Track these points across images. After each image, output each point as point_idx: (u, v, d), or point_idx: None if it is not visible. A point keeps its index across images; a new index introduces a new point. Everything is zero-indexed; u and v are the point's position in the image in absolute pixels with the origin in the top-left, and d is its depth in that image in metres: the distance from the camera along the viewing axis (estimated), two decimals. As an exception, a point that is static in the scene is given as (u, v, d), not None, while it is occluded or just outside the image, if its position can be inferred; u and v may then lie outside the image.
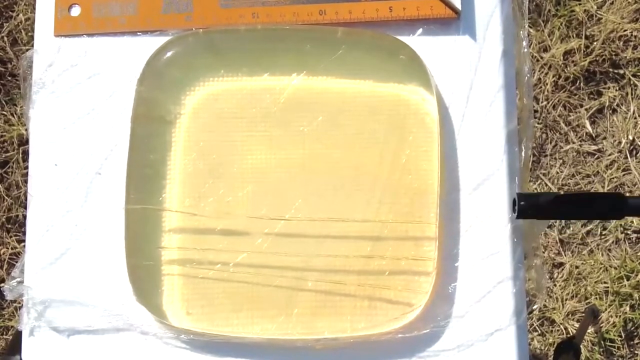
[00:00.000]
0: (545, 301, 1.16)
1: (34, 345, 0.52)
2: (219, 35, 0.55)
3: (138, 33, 0.55)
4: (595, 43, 1.23)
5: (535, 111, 1.22)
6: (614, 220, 1.18)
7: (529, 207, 0.49)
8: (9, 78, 1.23)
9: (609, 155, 1.21)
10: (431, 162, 0.53)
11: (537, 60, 1.24)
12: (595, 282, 1.17)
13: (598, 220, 1.14)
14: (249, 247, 0.52)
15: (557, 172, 1.20)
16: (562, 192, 0.51)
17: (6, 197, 1.20)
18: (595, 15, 1.25)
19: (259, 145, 0.54)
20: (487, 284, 0.52)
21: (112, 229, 0.53)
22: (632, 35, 1.25)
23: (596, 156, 1.21)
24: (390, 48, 0.54)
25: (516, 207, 0.50)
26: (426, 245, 0.52)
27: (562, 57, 1.23)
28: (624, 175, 1.20)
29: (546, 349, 1.16)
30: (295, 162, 0.54)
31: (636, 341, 1.16)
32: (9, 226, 1.19)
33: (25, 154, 1.19)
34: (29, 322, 0.52)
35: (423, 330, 0.50)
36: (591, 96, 1.23)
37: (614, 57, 1.24)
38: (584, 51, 1.23)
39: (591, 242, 1.18)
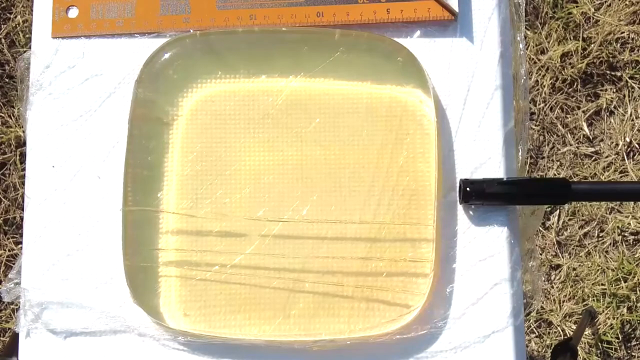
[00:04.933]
0: (543, 303, 1.16)
1: (31, 347, 0.52)
2: (217, 37, 0.55)
3: (135, 35, 0.55)
4: (592, 45, 1.23)
5: (533, 113, 1.22)
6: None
7: (473, 192, 0.50)
8: (7, 80, 1.23)
9: (606, 157, 1.21)
10: (428, 164, 0.53)
11: (535, 63, 1.24)
12: (593, 284, 1.17)
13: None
14: (247, 248, 0.52)
15: (555, 174, 1.20)
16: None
17: (3, 199, 1.20)
18: (593, 18, 1.25)
19: (256, 147, 0.54)
20: (485, 285, 0.52)
21: (109, 231, 0.53)
22: (629, 37, 1.25)
23: (593, 158, 1.21)
24: (387, 50, 0.54)
25: (461, 193, 0.51)
26: (424, 246, 0.52)
27: (559, 59, 1.23)
28: (621, 177, 1.20)
29: (543, 350, 1.16)
30: (292, 164, 0.54)
31: (633, 343, 1.16)
32: (7, 228, 1.19)
33: (23, 156, 1.19)
34: (26, 324, 0.52)
35: (420, 331, 0.50)
36: (588, 98, 1.23)
37: (611, 59, 1.24)
38: (581, 53, 1.23)
39: (588, 244, 1.19)
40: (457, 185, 0.53)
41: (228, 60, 0.56)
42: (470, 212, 0.53)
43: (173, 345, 0.51)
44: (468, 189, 0.51)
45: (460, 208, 0.53)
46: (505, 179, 0.51)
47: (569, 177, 1.20)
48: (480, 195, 0.51)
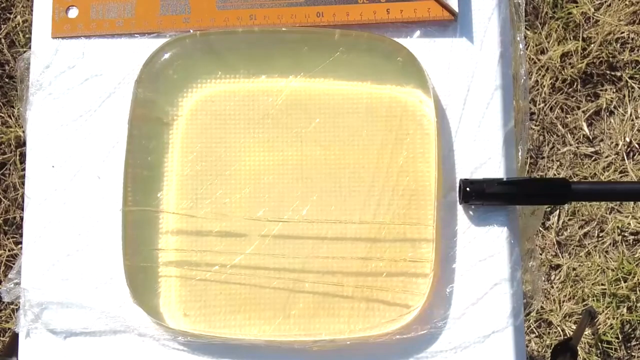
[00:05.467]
0: (543, 303, 1.16)
1: (30, 347, 0.52)
2: (216, 37, 0.55)
3: (135, 35, 0.55)
4: (592, 45, 1.23)
5: (533, 113, 1.22)
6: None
7: (473, 192, 0.50)
8: (7, 80, 1.23)
9: (606, 157, 1.21)
10: (428, 164, 0.53)
11: (535, 63, 1.24)
12: (593, 284, 1.17)
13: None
14: (247, 248, 0.52)
15: (555, 174, 1.20)
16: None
17: (3, 199, 1.20)
18: (593, 18, 1.25)
19: (256, 147, 0.54)
20: (485, 285, 0.52)
21: (109, 231, 0.53)
22: (629, 37, 1.25)
23: (593, 158, 1.21)
24: (387, 50, 0.54)
25: (461, 193, 0.51)
26: (423, 247, 0.52)
27: (559, 60, 1.23)
28: (621, 177, 1.20)
29: (543, 350, 1.16)
30: (292, 164, 0.54)
31: (633, 343, 1.16)
32: (6, 228, 1.19)
33: (23, 156, 1.19)
34: (26, 324, 0.52)
35: (420, 331, 0.50)
36: (588, 98, 1.23)
37: (611, 59, 1.24)
38: (581, 53, 1.24)
39: (588, 244, 1.19)
40: (457, 185, 0.53)
41: (228, 60, 0.56)
42: (470, 212, 0.53)
43: (173, 345, 0.51)
44: (468, 189, 0.51)
45: (460, 208, 0.53)
46: (505, 179, 0.51)
47: (569, 177, 1.20)
48: (480, 195, 0.51)
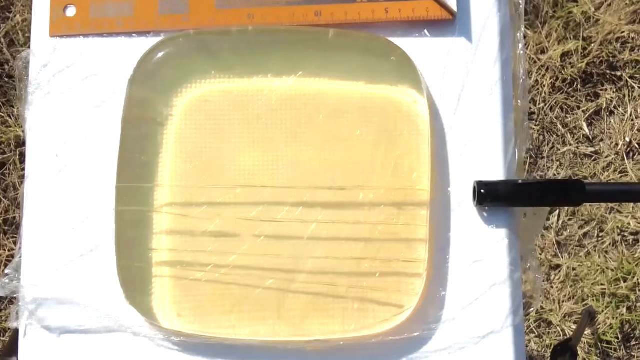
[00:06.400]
0: (543, 303, 1.16)
1: (25, 343, 0.52)
2: (210, 36, 0.55)
3: (134, 34, 0.55)
4: (592, 45, 1.23)
5: (533, 113, 1.22)
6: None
7: (488, 194, 0.50)
8: (6, 79, 1.23)
9: (606, 157, 1.21)
10: (422, 164, 0.53)
11: (535, 62, 1.24)
12: (592, 284, 1.17)
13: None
14: (240, 248, 0.52)
15: (554, 174, 1.20)
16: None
17: (3, 199, 1.20)
18: (593, 17, 1.25)
19: (250, 146, 0.54)
20: (484, 285, 0.51)
21: (103, 231, 0.52)
22: (629, 36, 1.25)
23: (593, 158, 1.21)
24: (382, 50, 0.54)
25: (476, 195, 0.51)
26: (418, 247, 0.52)
27: (559, 59, 1.23)
28: (620, 177, 1.20)
29: (543, 350, 1.16)
30: (286, 164, 0.54)
31: (633, 343, 1.16)
32: (6, 228, 1.19)
33: (23, 156, 1.19)
34: (21, 320, 0.52)
35: (415, 332, 0.50)
36: (588, 98, 1.23)
37: (611, 58, 1.24)
38: (581, 53, 1.23)
39: (588, 244, 1.18)
40: (472, 187, 0.52)
41: (222, 59, 0.55)
42: (467, 212, 0.53)
43: (167, 345, 0.51)
44: (483, 191, 0.50)
45: (455, 208, 0.53)
46: (520, 181, 0.51)
47: (569, 178, 1.20)
48: (496, 198, 0.51)
